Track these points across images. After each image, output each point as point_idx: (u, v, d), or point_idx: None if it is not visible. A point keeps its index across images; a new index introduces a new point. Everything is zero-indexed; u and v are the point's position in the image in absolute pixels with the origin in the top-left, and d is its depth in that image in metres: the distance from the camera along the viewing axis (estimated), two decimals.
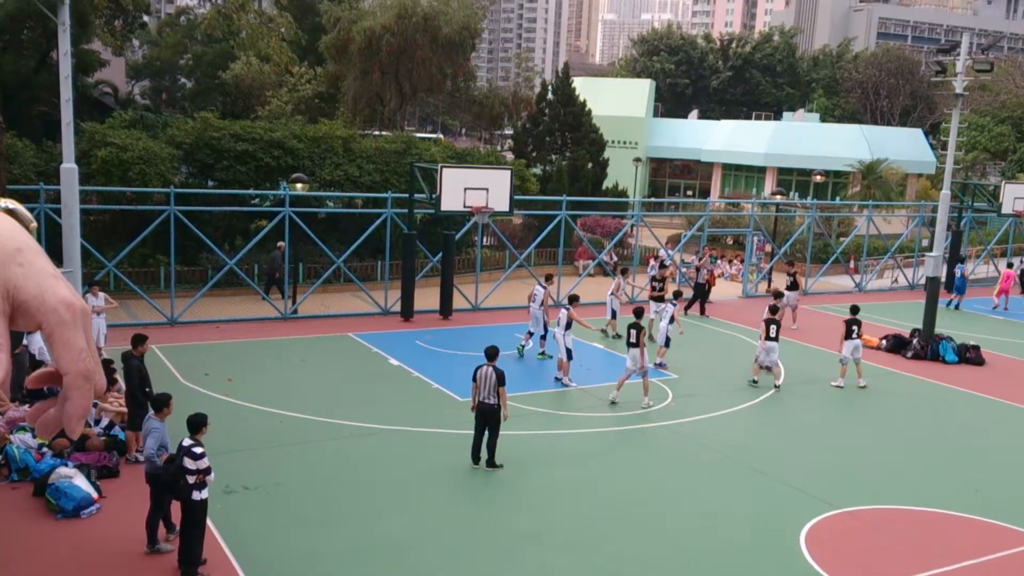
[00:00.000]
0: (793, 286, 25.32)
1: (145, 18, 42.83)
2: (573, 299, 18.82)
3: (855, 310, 19.55)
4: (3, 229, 1.17)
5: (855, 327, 18.87)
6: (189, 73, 51.08)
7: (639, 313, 17.15)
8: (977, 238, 38.34)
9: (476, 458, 13.40)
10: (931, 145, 57.67)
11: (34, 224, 1.26)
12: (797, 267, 27.15)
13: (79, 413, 1.18)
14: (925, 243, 34.07)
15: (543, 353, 20.30)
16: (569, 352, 17.99)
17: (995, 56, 64.11)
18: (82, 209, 16.67)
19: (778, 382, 18.54)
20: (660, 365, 19.44)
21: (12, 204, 1.25)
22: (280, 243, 24.37)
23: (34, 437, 12.58)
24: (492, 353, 13.49)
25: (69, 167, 14.44)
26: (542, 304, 20.19)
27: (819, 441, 15.66)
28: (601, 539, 11.27)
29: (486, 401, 13.24)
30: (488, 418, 13.26)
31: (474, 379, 13.42)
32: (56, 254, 15.55)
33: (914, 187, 51.14)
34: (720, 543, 11.34)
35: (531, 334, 20.63)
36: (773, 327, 18.42)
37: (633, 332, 16.62)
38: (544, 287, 20.52)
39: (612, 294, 22.82)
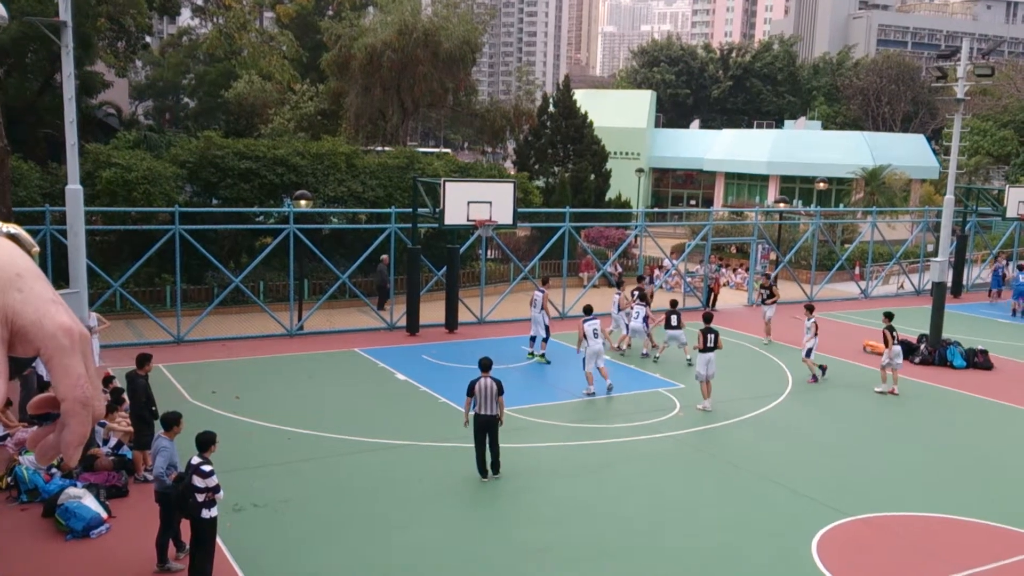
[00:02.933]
0: (770, 297, 24.27)
1: (147, 39, 43.07)
2: (546, 280, 20.13)
3: (891, 315, 19.39)
4: (4, 254, 1.16)
5: (895, 333, 18.98)
6: (192, 92, 51.37)
7: (709, 318, 17.92)
8: (982, 242, 38.27)
9: (484, 471, 13.37)
10: (934, 150, 57.60)
11: (36, 249, 1.26)
12: (775, 277, 26.73)
13: (76, 440, 1.16)
14: (930, 248, 34.02)
15: (542, 355, 20.81)
16: (547, 328, 19.68)
17: (995, 60, 64.26)
18: (87, 230, 16.74)
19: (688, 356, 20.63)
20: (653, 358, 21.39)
21: (14, 229, 1.25)
22: (383, 256, 25.10)
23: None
24: (487, 364, 13.56)
25: (74, 188, 14.50)
26: (542, 307, 20.86)
27: (828, 448, 15.60)
28: (610, 552, 11.23)
29: (485, 413, 13.26)
30: (490, 428, 13.32)
31: (471, 392, 13.36)
32: (62, 275, 15.60)
33: (918, 193, 51.04)
34: (730, 553, 11.28)
35: (533, 339, 21.15)
36: (674, 317, 20.67)
37: (711, 337, 17.21)
38: (542, 291, 21.27)
39: (622, 309, 22.66)
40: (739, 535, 11.80)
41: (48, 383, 1.17)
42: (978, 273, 35.42)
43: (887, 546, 11.66)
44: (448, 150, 50.56)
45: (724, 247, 37.57)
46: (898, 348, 18.88)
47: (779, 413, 17.57)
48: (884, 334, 18.92)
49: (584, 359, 18.00)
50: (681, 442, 15.64)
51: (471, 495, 13.09)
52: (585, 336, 17.82)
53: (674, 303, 21.42)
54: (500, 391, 13.22)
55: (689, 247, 31.02)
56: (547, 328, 20.85)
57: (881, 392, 18.89)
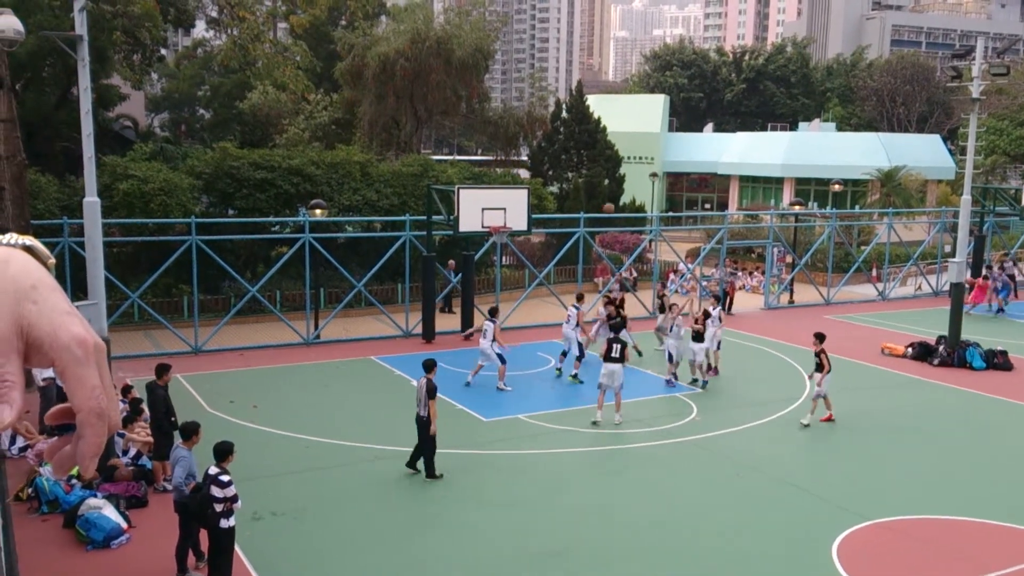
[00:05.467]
0: (663, 309, 22.12)
1: (163, 51, 43.41)
2: (495, 311, 19.75)
3: (823, 337, 16.93)
4: (19, 266, 1.17)
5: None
6: (207, 104, 51.66)
7: (618, 328, 17.35)
8: (1000, 242, 37.96)
9: (412, 465, 13.73)
10: (950, 150, 57.22)
11: (52, 260, 1.26)
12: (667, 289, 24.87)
13: (92, 451, 1.16)
14: (948, 249, 33.78)
15: (574, 375, 19.80)
16: (501, 357, 18.91)
17: (1011, 59, 63.78)
18: (105, 242, 16.86)
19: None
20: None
21: (30, 241, 1.25)
22: (451, 260, 25.47)
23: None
24: (428, 366, 13.90)
25: (92, 201, 14.60)
26: (577, 324, 20.08)
27: (847, 452, 15.48)
28: (627, 556, 11.19)
29: (418, 412, 13.60)
30: (418, 429, 13.60)
31: None
32: (81, 287, 15.72)
33: (934, 193, 50.71)
34: (750, 557, 11.22)
35: (564, 354, 20.42)
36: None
37: (616, 348, 16.42)
38: (577, 308, 20.30)
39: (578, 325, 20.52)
40: (758, 539, 11.73)
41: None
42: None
43: (908, 550, 11.56)
44: (520, 171, 46.08)
45: (739, 250, 37.44)
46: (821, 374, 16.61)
47: (797, 416, 17.45)
48: (822, 358, 16.49)
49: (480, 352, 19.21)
50: (699, 446, 15.58)
51: (487, 500, 13.08)
52: (483, 334, 19.17)
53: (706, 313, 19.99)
54: (430, 394, 13.48)
55: (704, 251, 30.91)
56: (580, 346, 19.93)
57: (806, 424, 16.56)
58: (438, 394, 13.82)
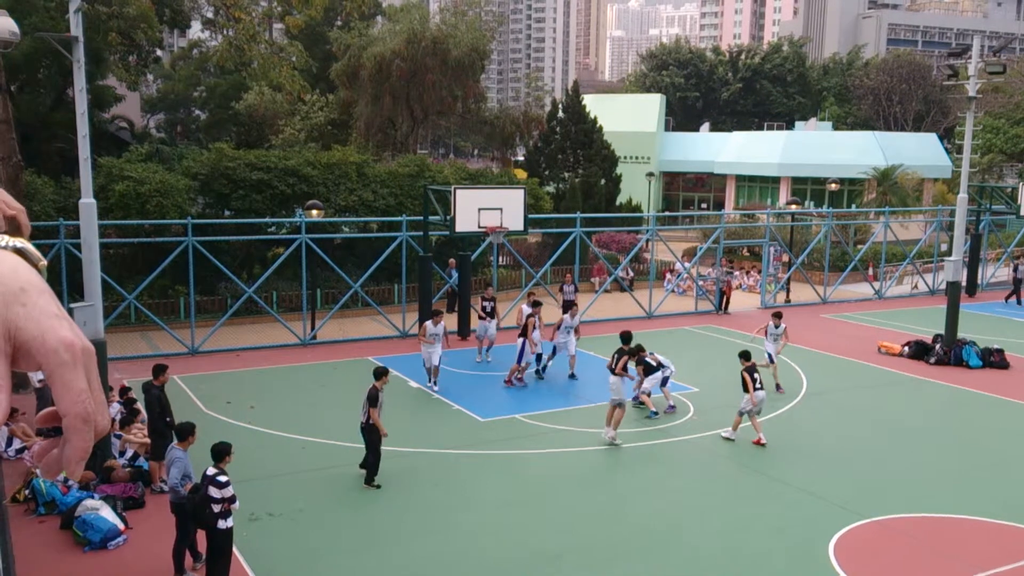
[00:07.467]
0: (491, 314, 21.51)
1: (158, 52, 43.33)
2: (437, 313, 19.61)
3: (748, 355, 16.14)
4: (8, 268, 1.16)
5: (758, 375, 15.74)
6: (203, 105, 51.62)
7: (627, 338, 16.42)
8: (996, 241, 38.02)
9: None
10: (946, 149, 57.31)
11: (43, 263, 1.25)
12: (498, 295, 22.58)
13: (78, 456, 1.15)
14: (944, 247, 33.82)
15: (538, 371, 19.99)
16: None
17: (1007, 58, 63.87)
18: (101, 243, 16.83)
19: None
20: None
21: (20, 243, 1.24)
22: (451, 259, 25.41)
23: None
24: (376, 373, 13.87)
25: (87, 202, 14.56)
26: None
27: (844, 450, 15.51)
28: (626, 557, 11.20)
29: (361, 419, 13.54)
30: (363, 437, 13.55)
31: None
32: (77, 288, 15.69)
33: (930, 192, 50.78)
34: (747, 556, 11.23)
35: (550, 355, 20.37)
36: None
37: (613, 358, 15.78)
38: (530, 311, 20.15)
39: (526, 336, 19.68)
40: (755, 538, 11.74)
41: None
42: (993, 272, 35.17)
43: (904, 548, 11.58)
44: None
45: (736, 250, 37.46)
46: (762, 394, 15.56)
47: (794, 415, 17.49)
48: (744, 377, 15.55)
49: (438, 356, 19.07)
50: (696, 445, 15.59)
51: (486, 501, 13.08)
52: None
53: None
54: (370, 402, 13.40)
55: (701, 250, 30.93)
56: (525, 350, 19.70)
57: (728, 438, 15.71)
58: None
